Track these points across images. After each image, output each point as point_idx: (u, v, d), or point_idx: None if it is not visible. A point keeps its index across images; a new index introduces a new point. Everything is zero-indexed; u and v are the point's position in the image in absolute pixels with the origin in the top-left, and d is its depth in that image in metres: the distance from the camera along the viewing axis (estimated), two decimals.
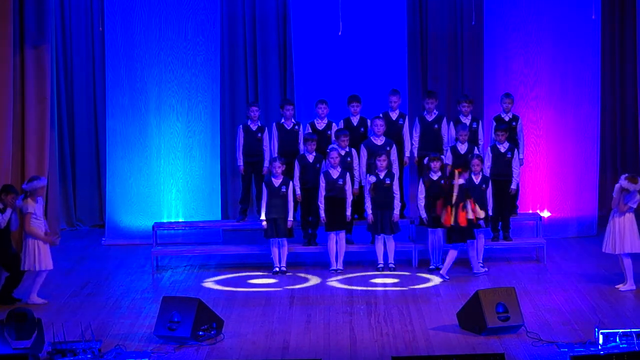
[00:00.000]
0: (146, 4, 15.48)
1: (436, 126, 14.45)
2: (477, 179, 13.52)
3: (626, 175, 12.57)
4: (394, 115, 14.42)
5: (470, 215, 13.06)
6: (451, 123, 14.47)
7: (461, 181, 13.10)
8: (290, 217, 13.57)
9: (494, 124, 14.61)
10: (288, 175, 13.77)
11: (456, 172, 13.16)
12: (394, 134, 14.25)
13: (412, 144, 14.44)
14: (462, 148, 14.08)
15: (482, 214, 13.17)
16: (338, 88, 15.63)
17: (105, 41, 15.77)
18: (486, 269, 13.40)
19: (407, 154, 14.41)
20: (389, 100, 14.43)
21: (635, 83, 16.51)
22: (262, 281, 13.23)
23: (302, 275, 13.48)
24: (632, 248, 12.42)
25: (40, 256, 12.18)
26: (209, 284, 13.12)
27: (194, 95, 15.61)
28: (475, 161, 13.49)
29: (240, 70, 16.98)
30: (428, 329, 10.88)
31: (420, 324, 11.07)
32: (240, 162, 14.51)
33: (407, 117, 14.54)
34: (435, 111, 14.52)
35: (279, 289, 12.84)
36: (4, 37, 13.49)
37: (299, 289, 12.80)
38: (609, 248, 12.51)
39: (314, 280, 13.18)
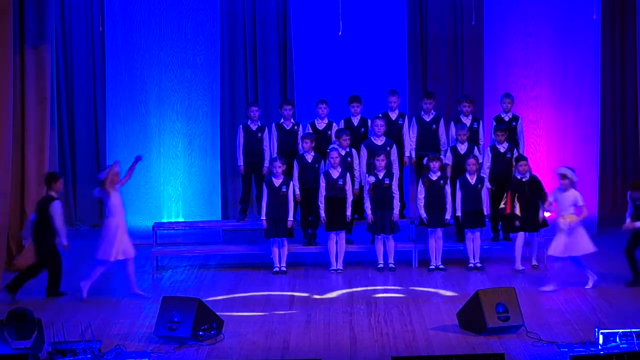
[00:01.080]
0: (146, 4, 15.49)
1: (434, 126, 14.45)
2: (472, 179, 13.56)
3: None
4: (393, 115, 14.41)
5: (504, 207, 13.33)
6: (452, 123, 14.47)
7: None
8: (290, 217, 13.57)
9: (494, 124, 14.61)
10: (288, 175, 13.77)
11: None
12: (393, 134, 14.25)
13: (410, 145, 14.46)
14: (462, 148, 14.08)
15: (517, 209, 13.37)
16: (338, 88, 15.64)
17: (105, 41, 15.79)
18: (522, 268, 13.47)
19: (407, 154, 14.42)
20: (388, 101, 14.42)
21: (635, 83, 16.50)
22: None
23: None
24: (584, 249, 12.40)
25: (122, 245, 12.34)
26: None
27: (194, 95, 15.62)
28: (471, 161, 13.54)
29: (240, 70, 16.97)
30: (428, 329, 10.87)
31: (420, 324, 11.07)
32: (241, 162, 14.51)
33: (406, 117, 14.54)
34: (432, 111, 14.51)
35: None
36: (4, 37, 13.45)
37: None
38: (555, 251, 12.45)
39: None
